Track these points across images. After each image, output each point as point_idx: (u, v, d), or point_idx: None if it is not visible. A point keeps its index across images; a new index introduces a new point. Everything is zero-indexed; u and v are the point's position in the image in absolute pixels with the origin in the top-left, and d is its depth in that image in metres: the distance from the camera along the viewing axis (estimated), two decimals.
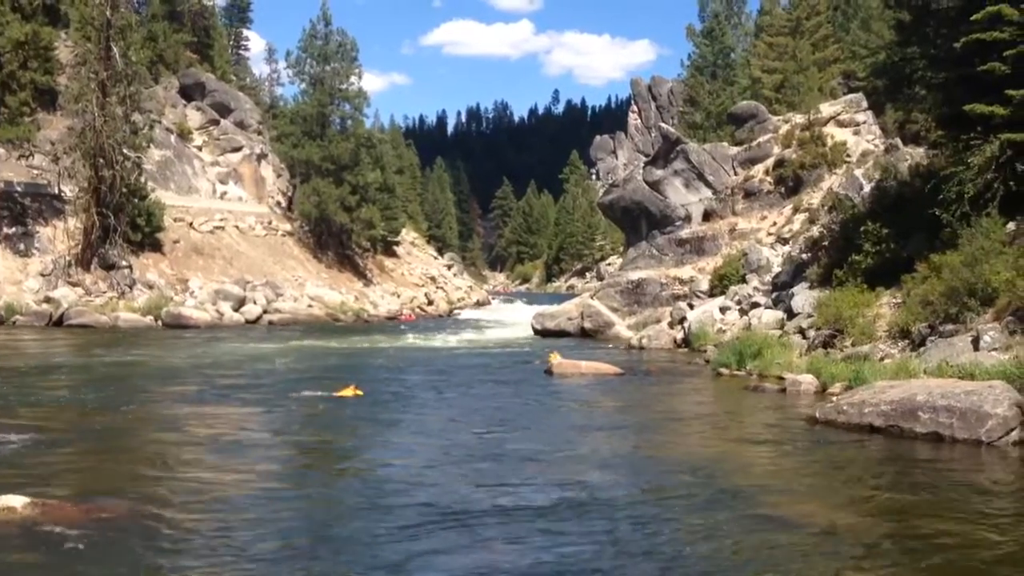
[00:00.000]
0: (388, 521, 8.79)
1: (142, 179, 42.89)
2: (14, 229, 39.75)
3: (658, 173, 38.32)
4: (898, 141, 32.57)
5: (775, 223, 35.15)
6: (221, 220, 50.44)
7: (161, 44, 58.25)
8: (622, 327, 33.64)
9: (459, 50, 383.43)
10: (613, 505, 9.52)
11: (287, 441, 13.57)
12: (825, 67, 50.05)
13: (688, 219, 37.40)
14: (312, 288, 49.12)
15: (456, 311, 59.61)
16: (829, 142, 36.64)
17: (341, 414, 15.58)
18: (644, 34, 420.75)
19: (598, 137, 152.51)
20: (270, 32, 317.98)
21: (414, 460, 11.89)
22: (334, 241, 57.88)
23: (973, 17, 19.13)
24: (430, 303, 59.19)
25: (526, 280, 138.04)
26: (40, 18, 44.83)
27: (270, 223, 54.96)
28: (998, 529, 8.81)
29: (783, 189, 36.31)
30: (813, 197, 34.33)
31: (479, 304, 68.84)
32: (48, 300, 36.49)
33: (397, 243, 70.14)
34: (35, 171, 41.89)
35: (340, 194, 56.63)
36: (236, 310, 40.64)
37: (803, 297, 24.21)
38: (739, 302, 28.71)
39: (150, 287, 40.49)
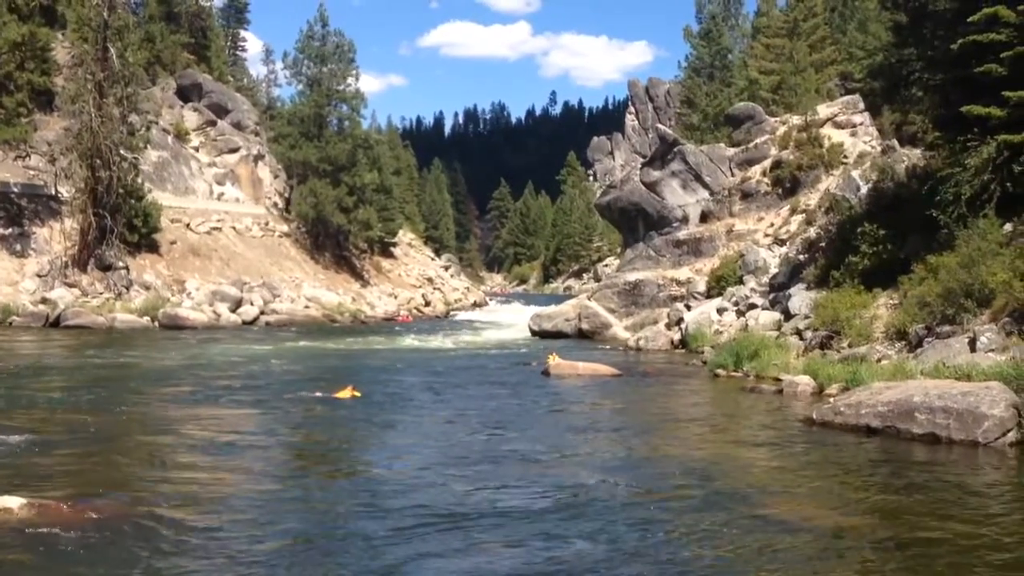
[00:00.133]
0: (385, 523, 8.78)
1: (139, 180, 42.80)
2: (10, 230, 39.67)
3: (655, 174, 38.35)
4: (895, 142, 32.59)
5: (772, 224, 35.17)
6: (218, 221, 50.38)
7: (158, 45, 58.14)
8: (619, 328, 33.66)
9: (456, 51, 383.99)
10: (610, 507, 9.52)
11: (284, 442, 13.56)
12: (822, 68, 50.05)
13: (685, 220, 37.42)
14: (309, 289, 49.06)
15: (453, 312, 59.57)
16: (826, 143, 36.68)
17: (339, 415, 15.57)
18: (641, 36, 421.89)
19: (595, 138, 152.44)
20: (267, 33, 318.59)
21: (412, 462, 11.88)
22: (331, 242, 57.83)
23: (970, 19, 19.17)
24: (427, 304, 59.15)
25: (523, 281, 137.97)
26: (37, 19, 44.70)
27: (267, 224, 54.90)
28: (995, 530, 8.82)
29: (780, 190, 36.34)
30: (810, 198, 34.37)
31: (476, 305, 68.77)
32: (44, 301, 36.41)
33: (394, 244, 70.11)
34: (32, 172, 41.80)
35: (337, 195, 56.60)
36: (233, 311, 40.58)
37: (800, 298, 24.23)
38: (736, 303, 28.73)
39: (147, 288, 40.43)
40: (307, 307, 45.49)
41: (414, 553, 7.94)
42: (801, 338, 22.34)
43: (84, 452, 11.99)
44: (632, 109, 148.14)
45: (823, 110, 39.24)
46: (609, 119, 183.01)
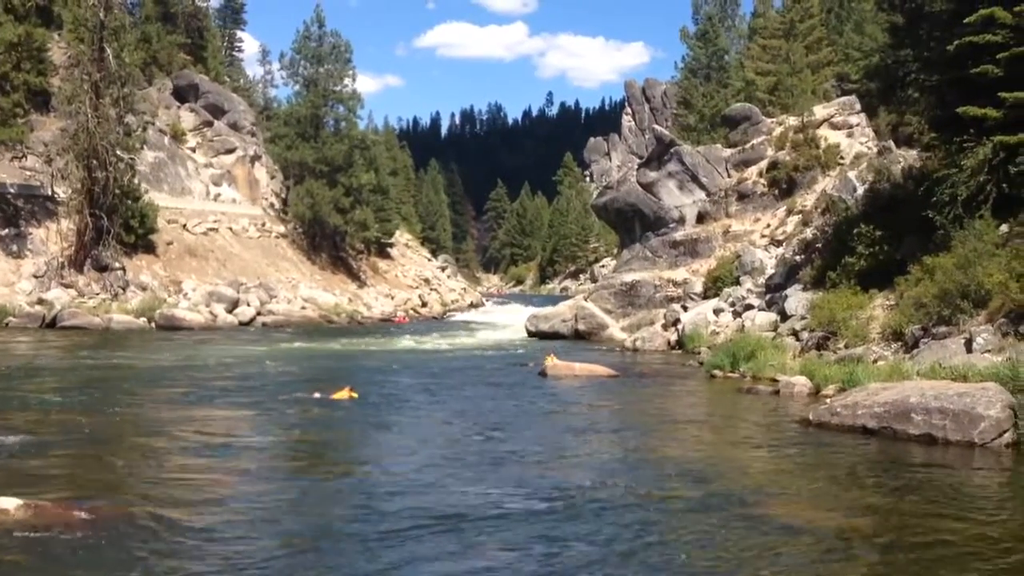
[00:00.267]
0: (382, 524, 8.78)
1: (135, 181, 42.78)
2: (7, 231, 39.61)
3: (652, 175, 38.37)
4: (891, 143, 32.62)
5: (769, 225, 35.21)
6: (215, 222, 50.36)
7: (155, 45, 58.12)
8: (616, 329, 33.67)
9: (453, 52, 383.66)
10: (606, 508, 9.52)
11: (282, 443, 13.55)
12: (818, 69, 50.10)
13: (682, 221, 37.44)
14: (306, 290, 49.05)
15: (450, 313, 59.57)
16: (822, 144, 36.72)
17: (337, 416, 15.56)
18: (638, 36, 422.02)
19: (592, 139, 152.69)
20: (264, 34, 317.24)
21: (409, 463, 11.88)
22: (328, 243, 57.81)
23: (966, 20, 19.22)
24: (424, 305, 59.15)
25: (520, 282, 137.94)
26: (33, 19, 44.68)
27: (264, 225, 54.87)
28: (992, 530, 8.83)
29: (777, 191, 36.37)
30: (807, 199, 34.41)
31: (473, 306, 68.77)
32: (41, 302, 36.37)
33: (391, 245, 70.09)
34: (28, 172, 41.77)
35: (334, 196, 56.59)
36: (230, 312, 40.56)
37: (796, 299, 24.25)
38: (733, 304, 28.75)
39: (143, 289, 40.40)
40: (304, 308, 45.47)
41: (411, 555, 7.94)
42: (798, 339, 22.37)
43: (80, 453, 11.98)
44: (629, 110, 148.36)
45: (819, 111, 39.28)
46: (606, 120, 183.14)
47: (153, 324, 36.62)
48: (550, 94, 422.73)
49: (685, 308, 31.08)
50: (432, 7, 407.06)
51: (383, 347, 31.54)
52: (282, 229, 56.05)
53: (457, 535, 8.48)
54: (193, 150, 55.72)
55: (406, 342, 33.79)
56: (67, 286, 38.12)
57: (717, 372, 21.74)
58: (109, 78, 39.87)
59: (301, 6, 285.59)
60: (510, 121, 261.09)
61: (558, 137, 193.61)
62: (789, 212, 34.77)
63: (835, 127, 38.31)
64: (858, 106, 39.04)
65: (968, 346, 16.36)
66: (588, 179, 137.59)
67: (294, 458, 12.54)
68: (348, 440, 13.87)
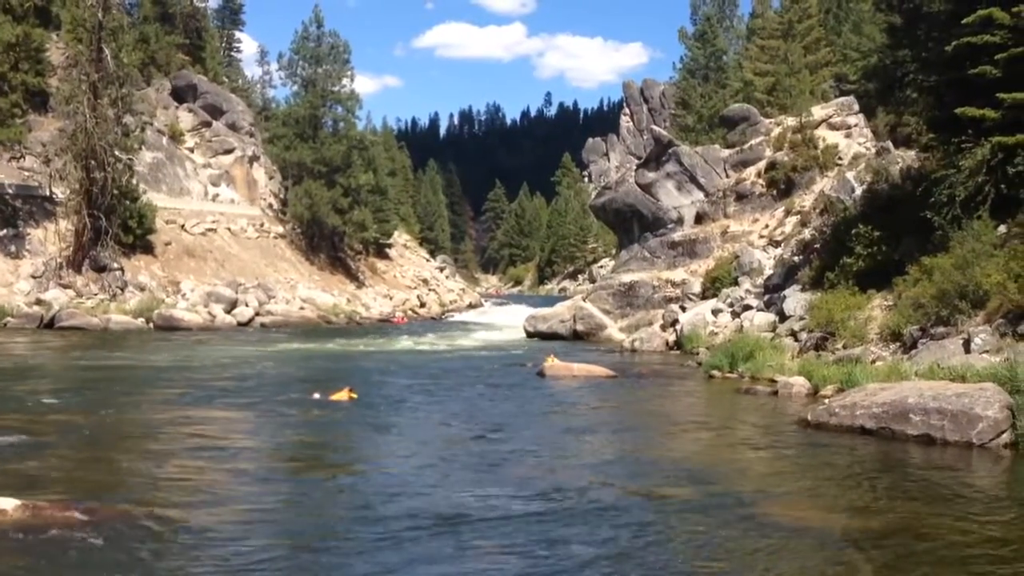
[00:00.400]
0: (382, 525, 8.78)
1: (134, 181, 42.75)
2: (5, 231, 39.57)
3: (650, 175, 38.38)
4: (889, 144, 32.66)
5: (767, 225, 35.22)
6: (213, 222, 50.34)
7: (153, 46, 58.09)
8: (614, 329, 33.68)
9: (452, 52, 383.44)
10: (605, 509, 9.52)
11: (282, 444, 13.54)
12: (817, 70, 50.16)
13: (680, 221, 37.45)
14: (304, 290, 49.05)
15: (448, 313, 59.59)
16: (821, 145, 36.74)
17: (336, 417, 15.55)
18: (636, 37, 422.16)
19: (590, 140, 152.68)
20: (262, 34, 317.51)
21: (409, 464, 11.88)
22: (326, 243, 57.80)
23: (964, 21, 19.22)
24: (422, 305, 59.16)
25: (518, 282, 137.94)
26: (31, 19, 44.62)
27: (262, 225, 54.86)
28: (991, 531, 8.84)
29: (775, 192, 36.39)
30: (805, 200, 34.43)
31: (471, 306, 68.80)
32: (39, 302, 36.34)
33: (389, 245, 70.08)
34: (26, 173, 41.72)
35: (332, 196, 56.58)
36: (228, 312, 40.56)
37: (795, 300, 24.26)
38: (731, 305, 28.75)
39: (141, 289, 40.38)
40: (302, 308, 45.46)
41: (410, 556, 7.94)
42: (796, 339, 22.38)
43: (78, 454, 11.97)
44: (627, 110, 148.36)
45: (818, 111, 39.31)
46: (604, 120, 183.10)
47: (151, 324, 36.61)
48: (548, 94, 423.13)
49: (683, 308, 31.08)
50: (431, 7, 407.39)
51: (381, 348, 31.54)
52: (280, 229, 56.04)
53: (456, 536, 8.48)
54: (191, 150, 55.69)
55: (405, 343, 33.79)
56: (65, 286, 38.09)
57: (715, 373, 21.74)
58: (107, 78, 39.84)
59: (299, 6, 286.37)
60: (508, 121, 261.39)
61: (556, 137, 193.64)
62: (787, 213, 34.79)
63: (833, 127, 38.34)
64: (856, 107, 39.07)
65: (966, 346, 16.37)
66: (586, 179, 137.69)
67: (293, 459, 12.53)
68: (347, 441, 13.86)
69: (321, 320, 44.62)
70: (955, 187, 18.99)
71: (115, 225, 40.01)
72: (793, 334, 22.79)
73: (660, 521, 9.19)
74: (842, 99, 40.79)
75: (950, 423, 12.67)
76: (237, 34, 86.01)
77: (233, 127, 58.78)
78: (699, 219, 37.29)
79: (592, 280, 79.27)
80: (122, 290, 39.42)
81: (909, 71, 22.75)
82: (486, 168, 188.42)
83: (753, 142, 38.75)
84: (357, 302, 52.34)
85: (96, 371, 21.61)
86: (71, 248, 39.42)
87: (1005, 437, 12.45)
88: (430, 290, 66.44)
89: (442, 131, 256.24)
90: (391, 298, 57.54)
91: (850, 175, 30.72)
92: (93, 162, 38.80)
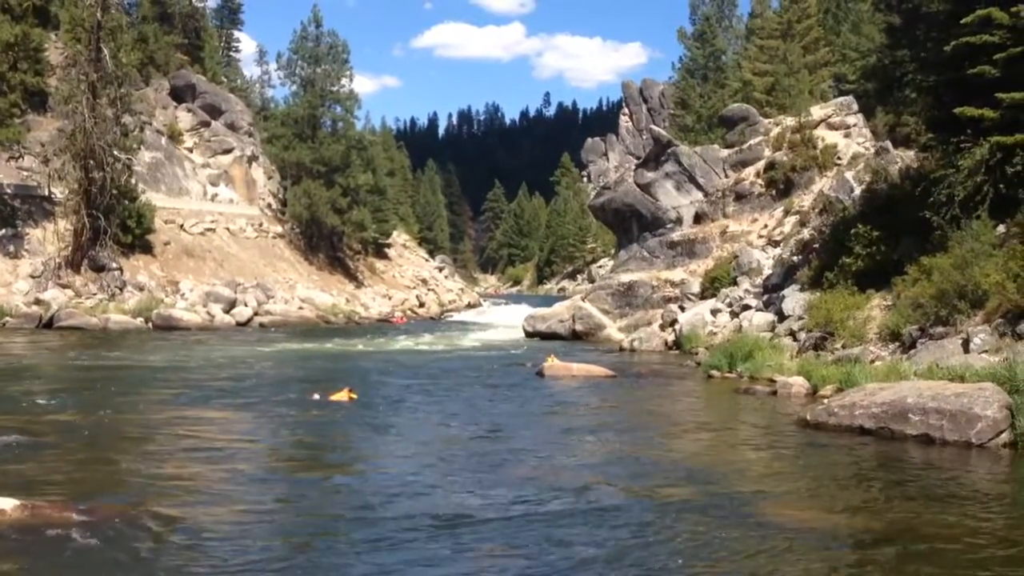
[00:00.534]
0: (381, 526, 8.77)
1: (132, 181, 42.74)
2: (4, 231, 39.55)
3: (649, 175, 38.40)
4: (888, 144, 32.66)
5: (766, 225, 35.23)
6: (212, 222, 50.33)
7: (152, 46, 58.02)
8: (613, 329, 33.69)
9: (450, 52, 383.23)
10: (604, 509, 9.51)
11: (281, 445, 13.53)
12: (816, 70, 50.21)
13: (679, 221, 37.47)
14: (303, 290, 49.05)
15: (447, 313, 59.58)
16: (820, 145, 36.76)
17: (335, 418, 15.54)
18: (635, 37, 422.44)
19: (589, 139, 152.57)
20: (261, 34, 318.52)
21: (408, 464, 11.87)
22: (325, 243, 57.81)
23: (963, 21, 19.22)
24: (421, 305, 59.16)
25: (517, 282, 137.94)
26: (30, 19, 44.62)
27: (261, 225, 54.85)
28: (990, 531, 8.84)
29: (774, 191, 36.40)
30: (804, 199, 34.43)
31: (470, 306, 68.79)
32: (38, 302, 36.32)
33: (388, 245, 70.07)
34: (25, 173, 41.71)
35: (331, 196, 56.58)
36: (227, 312, 40.55)
37: (794, 299, 24.26)
38: (730, 304, 28.76)
39: (140, 289, 40.36)
40: (301, 308, 45.46)
41: (409, 556, 7.93)
42: (795, 339, 22.38)
43: (76, 454, 11.95)
44: (626, 110, 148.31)
45: (817, 111, 39.33)
46: (603, 120, 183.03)
47: (150, 324, 36.61)
48: (547, 94, 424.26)
49: (682, 308, 31.09)
50: (429, 7, 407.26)
51: (381, 348, 31.53)
52: (279, 229, 56.03)
53: (455, 536, 8.48)
54: (190, 150, 55.67)
55: (404, 343, 33.79)
56: (64, 286, 38.07)
57: (714, 372, 21.74)
58: (106, 78, 39.82)
59: (298, 6, 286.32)
60: (507, 121, 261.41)
61: (555, 137, 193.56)
62: (786, 212, 34.80)
63: (832, 127, 38.36)
64: (855, 106, 39.09)
65: (965, 346, 16.37)
66: (585, 179, 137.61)
67: (292, 459, 12.52)
68: (347, 441, 13.84)
69: (320, 320, 44.62)
70: (954, 187, 18.98)
71: (114, 225, 40.00)
72: (792, 334, 22.79)
73: (659, 521, 9.18)
74: (841, 99, 40.81)
75: (949, 423, 12.67)
76: (236, 34, 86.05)
77: (232, 127, 58.76)
78: (698, 219, 37.30)
79: (591, 280, 79.27)
80: (121, 290, 39.40)
81: (908, 71, 22.75)
82: (485, 168, 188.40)
83: (752, 142, 38.77)
84: (356, 302, 52.34)
85: (95, 371, 21.60)
86: (70, 248, 39.41)
87: (1004, 437, 12.45)
88: (429, 290, 66.44)
89: (441, 131, 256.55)
90: (390, 298, 57.54)
91: (849, 175, 30.73)
92: (92, 162, 38.78)
